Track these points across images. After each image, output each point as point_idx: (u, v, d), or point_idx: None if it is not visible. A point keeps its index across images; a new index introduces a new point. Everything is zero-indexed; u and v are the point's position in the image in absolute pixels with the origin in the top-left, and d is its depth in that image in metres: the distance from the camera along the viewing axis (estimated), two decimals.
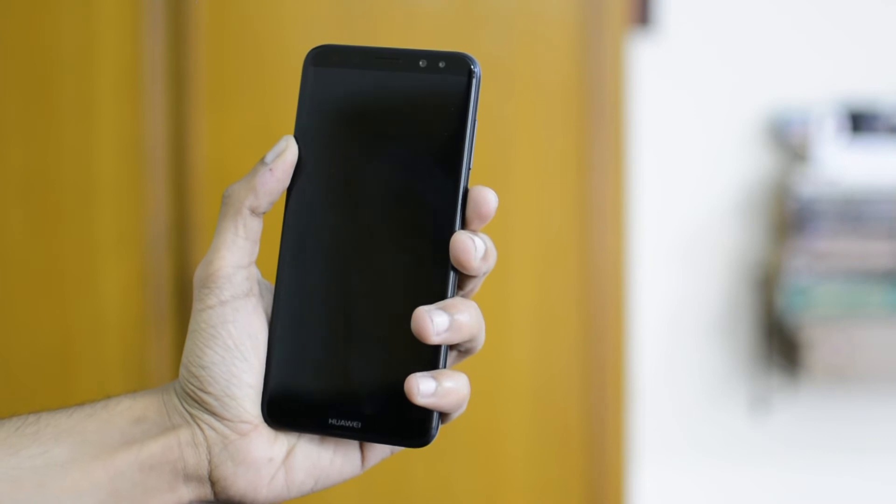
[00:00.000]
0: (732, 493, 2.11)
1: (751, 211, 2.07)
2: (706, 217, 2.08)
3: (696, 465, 2.11)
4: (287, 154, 0.64)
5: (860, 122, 1.99)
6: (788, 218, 1.96)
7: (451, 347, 0.64)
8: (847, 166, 1.97)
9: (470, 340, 0.64)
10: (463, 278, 0.64)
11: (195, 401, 0.63)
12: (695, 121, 2.07)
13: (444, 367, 0.64)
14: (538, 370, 1.65)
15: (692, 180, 2.07)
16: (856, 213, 1.95)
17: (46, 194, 1.61)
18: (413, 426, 0.63)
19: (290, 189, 0.65)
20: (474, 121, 0.64)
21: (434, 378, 0.62)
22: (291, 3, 1.61)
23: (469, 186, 0.64)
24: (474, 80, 0.64)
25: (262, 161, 0.64)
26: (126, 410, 0.64)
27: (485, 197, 0.63)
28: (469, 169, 0.64)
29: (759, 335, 2.08)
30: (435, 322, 0.62)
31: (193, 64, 1.60)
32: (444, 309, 0.62)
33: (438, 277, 0.63)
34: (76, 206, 1.61)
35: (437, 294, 0.63)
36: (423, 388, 0.62)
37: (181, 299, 1.60)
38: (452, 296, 0.63)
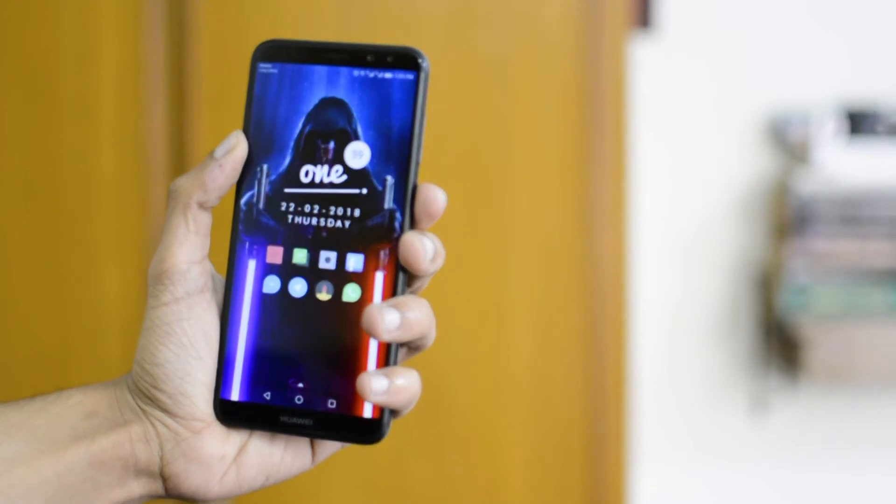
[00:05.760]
0: (732, 492, 2.11)
1: (751, 211, 2.07)
2: (706, 217, 2.08)
3: (696, 465, 2.11)
4: (237, 150, 0.64)
5: (860, 123, 1.99)
6: (788, 218, 1.96)
7: (401, 344, 0.64)
8: (846, 167, 1.97)
9: (421, 338, 0.63)
10: (412, 276, 0.64)
11: (148, 398, 0.63)
12: (695, 122, 2.07)
13: (396, 363, 0.63)
14: (538, 370, 1.65)
15: (692, 181, 2.07)
16: (855, 213, 1.95)
17: (47, 194, 1.61)
18: (365, 423, 0.63)
19: (239, 183, 0.65)
20: (423, 116, 0.63)
21: (386, 376, 0.62)
22: (291, 3, 1.61)
23: (418, 183, 0.63)
24: (422, 75, 0.63)
25: (211, 156, 0.64)
26: (77, 405, 0.64)
27: (434, 195, 0.63)
28: (418, 164, 0.63)
29: (758, 335, 2.08)
30: (386, 320, 0.61)
31: (193, 64, 1.60)
32: (395, 306, 0.62)
33: (389, 276, 0.63)
34: (76, 206, 1.61)
35: (387, 293, 0.63)
36: (375, 386, 0.61)
37: None
38: (402, 293, 0.63)
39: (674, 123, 2.06)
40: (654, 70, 2.03)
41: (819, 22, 2.06)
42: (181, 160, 1.61)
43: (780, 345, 2.02)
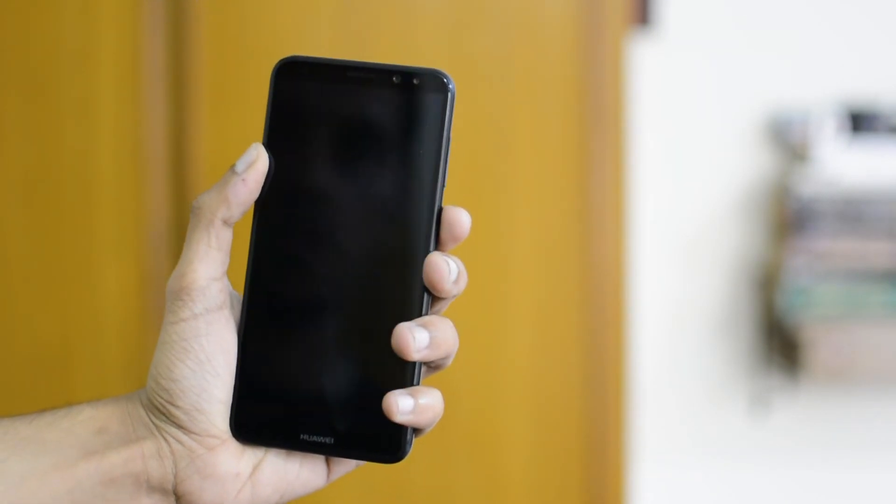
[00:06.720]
0: (732, 492, 2.11)
1: (751, 211, 2.07)
2: (706, 217, 2.08)
3: (697, 465, 2.10)
4: (258, 164, 0.63)
5: (860, 122, 1.99)
6: (788, 218, 1.96)
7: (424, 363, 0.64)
8: (847, 166, 1.96)
9: (445, 357, 0.63)
10: (434, 298, 0.63)
11: (163, 414, 0.62)
12: (695, 121, 2.07)
13: (419, 383, 0.63)
14: (538, 371, 1.65)
15: (692, 180, 2.07)
16: (856, 213, 1.95)
17: (47, 194, 1.61)
18: (387, 442, 0.63)
19: (259, 200, 0.64)
20: (448, 139, 0.63)
21: (411, 395, 0.62)
22: (291, 3, 1.61)
23: (443, 206, 0.63)
24: (449, 97, 0.62)
25: (232, 170, 0.63)
26: (88, 420, 0.63)
27: (458, 218, 0.63)
28: (443, 187, 0.63)
29: (759, 335, 2.08)
30: (416, 339, 0.62)
31: (193, 64, 1.60)
32: (424, 326, 0.62)
33: (413, 297, 0.63)
34: (76, 206, 1.61)
35: (411, 313, 0.62)
36: (402, 405, 0.62)
37: None
38: (427, 314, 0.63)
39: (673, 122, 2.06)
40: (653, 69, 2.03)
41: (820, 21, 2.06)
42: (181, 160, 1.61)
43: (780, 345, 2.02)
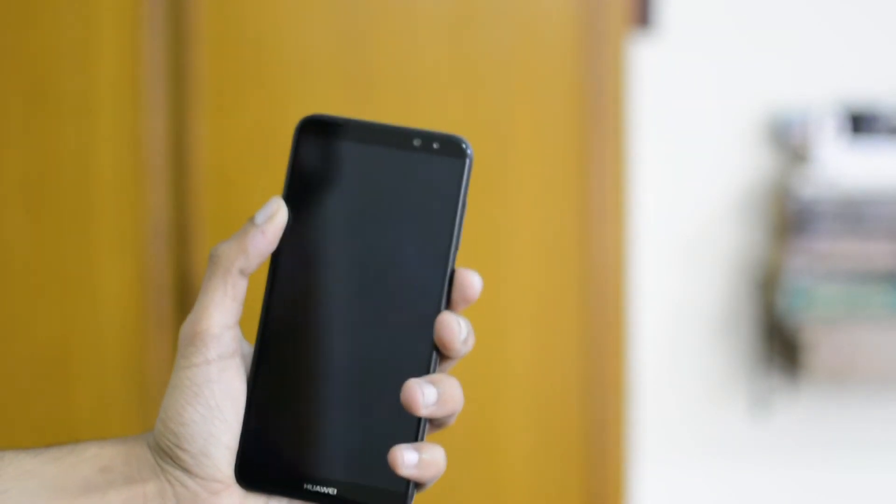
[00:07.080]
0: (733, 493, 2.11)
1: (751, 211, 2.07)
2: (706, 217, 2.08)
3: (697, 466, 2.11)
4: (278, 217, 0.64)
5: (860, 123, 1.99)
6: (789, 219, 1.96)
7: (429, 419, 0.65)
8: (847, 167, 1.97)
9: (450, 415, 0.65)
10: (442, 357, 0.65)
11: (169, 456, 0.63)
12: (695, 121, 2.07)
13: (423, 439, 0.64)
14: (538, 371, 1.65)
15: (692, 181, 2.07)
16: (856, 213, 1.95)
17: (46, 194, 1.61)
18: (389, 495, 0.63)
19: (274, 253, 0.65)
20: (465, 203, 0.65)
21: (416, 450, 0.63)
22: (291, 3, 1.61)
23: (456, 268, 0.64)
24: (467, 163, 0.65)
25: (251, 222, 0.64)
26: (92, 458, 0.64)
27: (470, 281, 0.65)
28: (457, 249, 0.64)
29: (759, 336, 2.08)
30: (425, 395, 0.63)
31: (193, 64, 1.60)
32: (433, 383, 0.63)
33: (422, 354, 0.64)
34: (76, 206, 1.61)
35: (420, 370, 0.64)
36: (406, 459, 0.62)
37: (181, 300, 1.60)
38: (435, 372, 0.64)
39: (674, 123, 2.06)
40: (653, 69, 2.03)
41: (820, 21, 2.06)
42: (181, 160, 1.61)
43: (780, 346, 2.02)
